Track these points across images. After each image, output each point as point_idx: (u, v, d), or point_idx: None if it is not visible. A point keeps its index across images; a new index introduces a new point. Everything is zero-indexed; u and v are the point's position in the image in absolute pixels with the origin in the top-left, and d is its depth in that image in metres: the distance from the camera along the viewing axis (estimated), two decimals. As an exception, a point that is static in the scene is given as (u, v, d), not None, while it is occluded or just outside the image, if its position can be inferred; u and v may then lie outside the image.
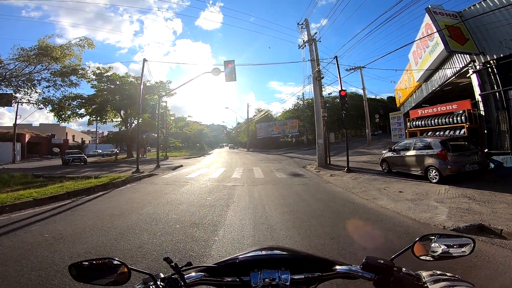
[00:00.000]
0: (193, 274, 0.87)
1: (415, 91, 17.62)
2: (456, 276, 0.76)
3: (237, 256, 0.93)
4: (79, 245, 4.01)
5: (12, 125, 31.58)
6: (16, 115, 29.71)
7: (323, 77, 16.59)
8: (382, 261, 0.82)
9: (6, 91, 19.64)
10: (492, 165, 9.19)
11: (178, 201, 7.22)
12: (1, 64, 18.26)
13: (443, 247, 0.90)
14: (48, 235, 4.45)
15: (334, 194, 8.01)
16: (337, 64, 14.49)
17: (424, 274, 0.79)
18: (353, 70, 26.11)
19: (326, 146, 15.89)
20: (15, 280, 2.85)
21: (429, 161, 8.74)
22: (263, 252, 0.95)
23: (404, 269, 0.81)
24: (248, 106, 54.58)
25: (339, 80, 14.24)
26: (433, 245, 0.91)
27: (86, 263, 0.87)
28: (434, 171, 8.53)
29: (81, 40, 20.23)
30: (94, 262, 0.87)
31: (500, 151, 9.24)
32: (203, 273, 0.88)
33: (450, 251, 0.90)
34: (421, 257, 0.90)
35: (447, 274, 0.77)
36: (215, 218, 5.48)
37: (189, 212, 5.99)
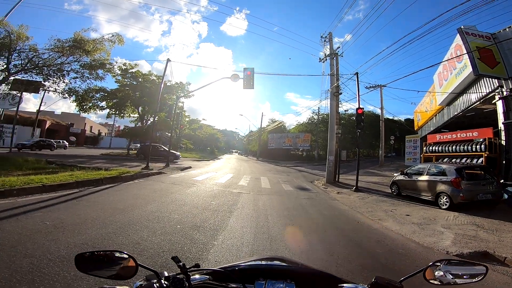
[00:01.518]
0: (198, 276, 0.86)
1: (436, 114, 17.26)
2: None
3: (242, 263, 0.92)
4: (78, 236, 4.00)
5: (35, 111, 32.85)
6: (41, 102, 31.12)
7: (341, 93, 16.39)
8: (391, 283, 0.81)
9: (36, 78, 20.58)
10: (506, 196, 8.92)
11: (183, 202, 7.24)
12: (36, 53, 19.10)
13: (454, 273, 0.88)
14: (49, 223, 4.45)
15: (339, 212, 7.87)
16: (357, 81, 14.25)
17: None
18: (373, 88, 25.49)
19: (336, 163, 15.69)
20: (6, 266, 2.84)
21: (441, 187, 8.53)
22: (268, 262, 0.94)
23: None
24: (262, 116, 55.28)
25: (357, 97, 13.99)
26: (443, 270, 0.89)
27: (94, 253, 0.85)
28: (445, 197, 8.32)
29: (113, 36, 20.90)
30: (102, 253, 0.85)
31: None
32: (208, 276, 0.87)
33: (461, 278, 0.88)
34: (431, 281, 0.88)
35: None
36: (216, 222, 5.46)
37: (191, 214, 6.00)
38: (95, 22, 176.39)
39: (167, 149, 21.27)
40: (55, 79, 20.96)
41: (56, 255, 3.18)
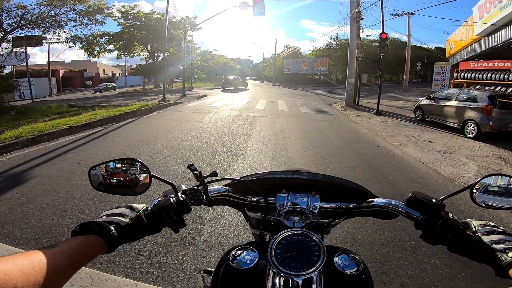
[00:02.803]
0: (216, 187, 0.79)
1: (472, 44, 16.57)
2: (508, 231, 0.63)
3: (263, 172, 0.82)
4: None
5: (45, 63, 32.86)
6: (49, 53, 30.82)
7: (362, 18, 15.12)
8: (432, 199, 0.69)
9: (34, 33, 20.65)
10: None
11: (201, 129, 7.37)
12: (25, 10, 18.80)
13: (501, 195, 0.75)
14: (82, 163, 4.64)
15: (359, 135, 7.75)
16: (382, 6, 12.99)
17: (475, 223, 0.66)
18: (399, 15, 22.70)
19: (356, 86, 14.99)
20: (52, 212, 2.98)
21: (470, 114, 8.04)
22: (292, 174, 0.83)
23: (451, 214, 0.67)
24: (276, 42, 51.39)
25: (381, 23, 12.91)
26: (491, 190, 0.76)
27: (108, 165, 0.79)
28: (472, 125, 7.90)
29: None
30: (116, 163, 0.79)
31: None
32: (227, 188, 0.80)
33: (508, 201, 0.74)
34: (480, 203, 0.75)
35: (500, 227, 0.64)
36: (235, 147, 5.57)
37: (211, 140, 6.13)
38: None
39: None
40: (54, 30, 21.14)
41: (93, 195, 3.30)
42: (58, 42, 22.39)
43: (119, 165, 0.80)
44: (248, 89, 29.52)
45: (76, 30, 22.83)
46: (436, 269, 2.20)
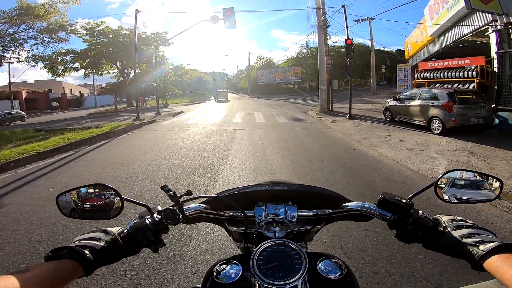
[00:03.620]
0: (193, 205, 0.79)
1: (427, 45, 17.34)
2: (475, 224, 0.66)
3: (240, 187, 0.84)
4: None
5: (6, 84, 31.31)
6: (9, 73, 29.59)
7: (328, 26, 15.91)
8: (401, 199, 0.72)
9: None
10: (497, 121, 9.02)
11: (179, 146, 7.27)
12: None
13: (465, 188, 0.78)
14: (54, 189, 4.45)
15: (335, 140, 8.00)
16: (345, 14, 14.24)
17: (444, 218, 0.69)
18: (361, 21, 24.39)
19: (328, 92, 15.56)
20: (27, 239, 2.87)
21: (433, 111, 8.57)
22: (268, 186, 0.85)
23: (421, 211, 0.71)
24: (249, 54, 52.25)
25: (346, 30, 14.00)
26: (454, 184, 0.78)
27: (74, 192, 0.77)
28: (437, 121, 8.42)
29: None
30: (85, 192, 0.77)
31: (507, 107, 9.06)
32: (204, 205, 0.81)
33: (473, 194, 0.77)
34: (445, 199, 0.77)
35: (468, 221, 0.68)
36: (215, 162, 5.54)
37: (190, 157, 6.05)
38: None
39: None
40: (13, 49, 20.34)
41: (69, 220, 3.13)
42: (18, 62, 21.54)
43: (91, 190, 0.78)
44: (229, 100, 31.62)
45: (37, 48, 21.94)
46: (425, 265, 2.27)
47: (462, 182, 0.79)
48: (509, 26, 9.27)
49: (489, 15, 10.02)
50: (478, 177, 0.80)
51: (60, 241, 2.80)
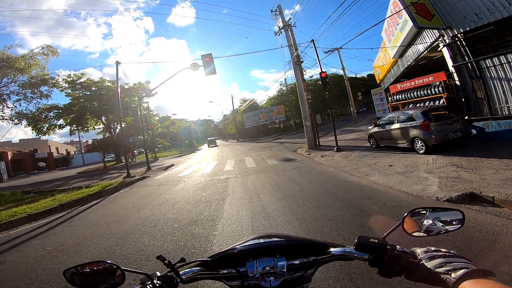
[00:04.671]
0: (189, 269, 0.87)
1: (392, 67, 17.90)
2: (451, 251, 0.74)
3: (231, 247, 0.93)
4: (82, 254, 4.07)
5: None
6: None
7: (302, 61, 16.68)
8: (375, 240, 0.81)
9: None
10: (474, 132, 9.40)
11: (174, 200, 7.21)
12: None
13: (434, 222, 0.87)
14: (50, 248, 4.50)
15: (327, 175, 8.13)
16: (315, 47, 15.00)
17: (419, 251, 0.77)
18: (331, 52, 26.63)
19: (313, 127, 16.03)
20: None
21: (413, 132, 8.92)
22: (257, 241, 0.95)
23: (398, 247, 0.79)
24: (232, 98, 54.49)
25: (318, 63, 14.66)
26: (424, 220, 0.88)
27: (79, 268, 0.86)
28: (420, 142, 8.72)
29: (43, 48, 19.73)
30: (87, 268, 0.86)
31: (479, 117, 9.48)
32: (199, 268, 0.88)
33: (442, 225, 0.87)
34: (413, 234, 0.87)
35: (441, 250, 0.75)
36: (212, 213, 5.52)
37: (185, 210, 6.01)
38: (18, 37, 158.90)
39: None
40: None
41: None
42: (2, 119, 20.68)
43: (92, 267, 0.87)
44: (218, 146, 33.02)
45: (20, 105, 21.48)
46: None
47: (429, 218, 0.88)
48: (456, 39, 9.79)
49: (436, 30, 10.54)
50: (440, 212, 0.91)
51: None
